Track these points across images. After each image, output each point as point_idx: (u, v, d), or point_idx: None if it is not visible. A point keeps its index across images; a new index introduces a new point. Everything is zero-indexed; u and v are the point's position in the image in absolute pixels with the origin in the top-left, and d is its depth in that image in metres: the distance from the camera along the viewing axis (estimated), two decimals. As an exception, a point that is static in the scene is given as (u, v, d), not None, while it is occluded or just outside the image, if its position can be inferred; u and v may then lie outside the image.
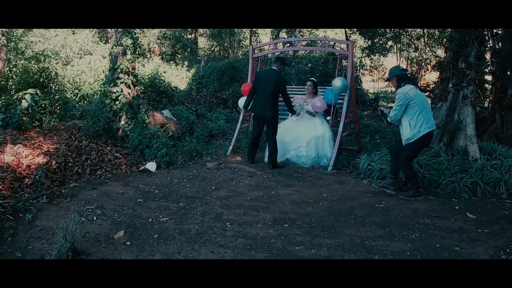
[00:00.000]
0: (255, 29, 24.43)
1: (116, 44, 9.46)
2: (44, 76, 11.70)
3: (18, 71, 11.65)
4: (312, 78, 9.38)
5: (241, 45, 27.07)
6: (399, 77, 6.38)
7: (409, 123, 6.19)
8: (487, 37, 8.83)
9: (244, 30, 26.02)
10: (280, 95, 8.20)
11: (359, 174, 7.66)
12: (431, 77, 19.71)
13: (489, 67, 9.20)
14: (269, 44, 10.47)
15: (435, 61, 13.69)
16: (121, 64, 9.26)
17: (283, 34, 22.49)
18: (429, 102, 6.55)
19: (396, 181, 6.63)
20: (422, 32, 21.51)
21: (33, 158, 7.17)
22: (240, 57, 22.46)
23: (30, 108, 8.87)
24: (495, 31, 9.67)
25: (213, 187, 7.08)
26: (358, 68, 21.10)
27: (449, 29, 9.51)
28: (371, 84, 28.73)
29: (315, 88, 8.89)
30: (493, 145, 7.80)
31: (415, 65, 24.83)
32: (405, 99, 6.13)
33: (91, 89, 12.33)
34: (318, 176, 7.65)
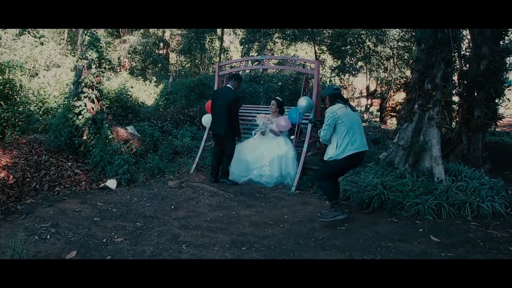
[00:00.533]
0: (225, 47, 24.39)
1: (81, 57, 9.28)
2: (8, 88, 11.43)
3: (-20, 82, 11.36)
4: (277, 97, 9.36)
5: (212, 61, 27.03)
6: (332, 96, 6.27)
7: (337, 142, 6.02)
8: (454, 59, 8.89)
9: (215, 47, 25.97)
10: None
11: (323, 195, 7.54)
12: (400, 97, 19.94)
13: (456, 89, 9.27)
14: (237, 62, 10.40)
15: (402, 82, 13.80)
16: (85, 78, 9.08)
17: (253, 52, 22.55)
18: (362, 123, 6.39)
19: (340, 204, 6.30)
20: (391, 53, 21.76)
21: (-10, 172, 6.97)
22: (211, 73, 22.41)
23: (-9, 121, 8.66)
24: (462, 52, 9.77)
25: (173, 207, 6.91)
26: (328, 87, 21.20)
27: (416, 51, 9.57)
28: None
29: (280, 107, 8.87)
30: (459, 166, 7.81)
31: (384, 86, 25.12)
32: (333, 118, 5.98)
33: (56, 102, 12.08)
34: (281, 197, 7.56)
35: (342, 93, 7.62)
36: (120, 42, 24.79)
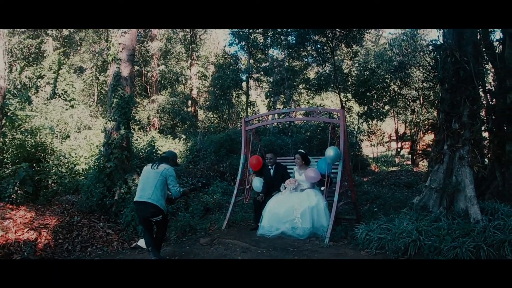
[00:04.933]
0: (252, 101, 24.63)
1: (109, 119, 9.48)
2: (40, 151, 11.70)
3: (14, 145, 11.62)
4: (300, 150, 9.26)
5: (240, 116, 27.31)
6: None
7: None
8: (479, 95, 8.79)
9: (242, 101, 26.27)
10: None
11: (357, 245, 7.38)
12: (430, 138, 19.78)
13: (485, 125, 9.13)
14: (263, 115, 10.47)
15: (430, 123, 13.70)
16: (114, 139, 9.24)
17: (279, 105, 22.72)
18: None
19: (152, 252, 6.54)
20: (417, 94, 21.69)
21: (22, 234, 7.13)
22: (239, 128, 22.62)
23: (23, 183, 8.81)
24: (487, 87, 9.66)
25: (204, 265, 6.81)
26: (356, 134, 21.19)
27: (440, 91, 9.49)
28: (370, 149, 28.81)
29: (304, 159, 8.83)
30: (495, 204, 7.59)
31: (413, 127, 24.98)
32: None
33: (86, 164, 12.29)
34: (314, 249, 7.36)
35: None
36: (149, 102, 25.31)
